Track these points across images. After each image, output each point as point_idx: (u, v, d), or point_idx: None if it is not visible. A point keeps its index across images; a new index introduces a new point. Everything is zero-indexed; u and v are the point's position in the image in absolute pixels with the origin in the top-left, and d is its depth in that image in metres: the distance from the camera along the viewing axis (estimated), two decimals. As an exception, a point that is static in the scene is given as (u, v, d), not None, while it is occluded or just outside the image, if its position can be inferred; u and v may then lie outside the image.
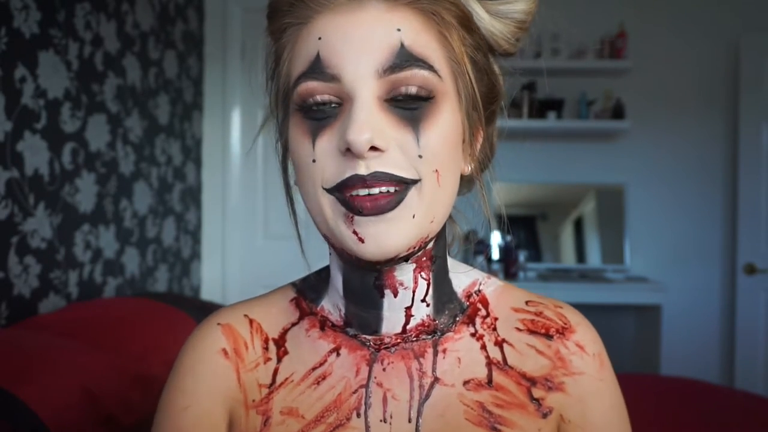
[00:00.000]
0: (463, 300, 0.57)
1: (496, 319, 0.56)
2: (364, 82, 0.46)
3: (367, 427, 0.52)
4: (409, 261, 0.52)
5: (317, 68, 0.47)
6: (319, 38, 0.47)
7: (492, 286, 0.59)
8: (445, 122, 0.48)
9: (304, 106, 0.48)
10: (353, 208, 0.46)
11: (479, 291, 0.58)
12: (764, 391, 2.64)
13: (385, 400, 0.53)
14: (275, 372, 0.55)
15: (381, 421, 0.52)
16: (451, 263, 0.58)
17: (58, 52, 1.56)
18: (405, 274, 0.52)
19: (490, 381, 0.53)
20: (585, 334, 0.56)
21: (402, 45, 0.46)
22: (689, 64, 2.89)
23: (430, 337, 0.54)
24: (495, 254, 2.78)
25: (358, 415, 0.52)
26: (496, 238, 2.81)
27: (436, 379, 0.53)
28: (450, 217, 0.57)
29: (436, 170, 0.48)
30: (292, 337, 0.56)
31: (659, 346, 2.64)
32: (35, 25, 1.46)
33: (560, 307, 0.57)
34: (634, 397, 0.73)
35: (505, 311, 0.57)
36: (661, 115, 2.91)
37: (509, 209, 2.87)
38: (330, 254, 0.56)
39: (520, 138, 2.74)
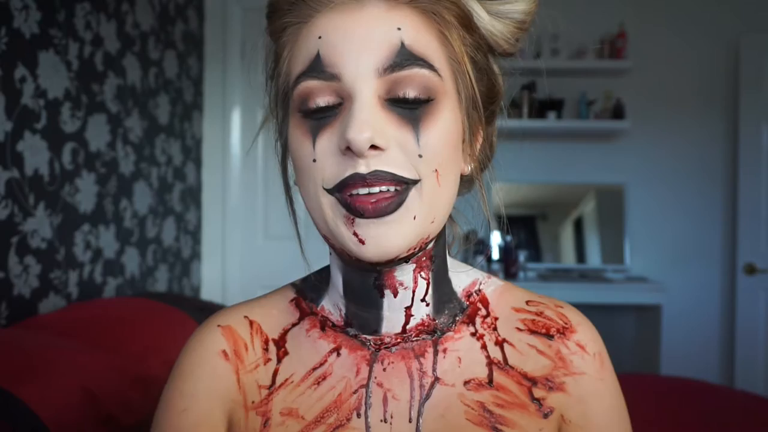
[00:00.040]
0: (462, 300, 0.57)
1: (496, 318, 0.56)
2: (365, 81, 0.46)
3: (368, 428, 0.52)
4: (409, 261, 0.52)
5: (317, 67, 0.47)
6: (319, 37, 0.47)
7: (492, 286, 0.58)
8: (446, 122, 0.48)
9: (304, 110, 0.48)
10: (354, 211, 0.46)
11: (479, 291, 0.58)
12: (764, 391, 2.64)
13: (385, 400, 0.52)
14: (275, 373, 0.55)
15: (381, 421, 0.52)
16: (451, 263, 0.58)
17: (58, 52, 1.56)
18: (405, 274, 0.52)
19: (490, 381, 0.53)
20: (586, 334, 0.56)
21: (402, 44, 0.46)
22: (689, 64, 2.89)
23: (430, 336, 0.54)
24: (495, 254, 2.78)
25: (359, 416, 0.52)
26: (496, 238, 2.81)
27: (436, 379, 0.53)
28: (450, 217, 0.57)
29: (436, 170, 0.48)
30: (293, 338, 0.56)
31: (659, 346, 2.64)
32: (35, 25, 1.46)
33: (561, 307, 0.57)
34: (634, 397, 0.73)
35: (506, 311, 0.57)
36: (661, 115, 2.90)
37: (509, 209, 2.87)
38: (330, 254, 0.56)
39: (520, 138, 2.73)
